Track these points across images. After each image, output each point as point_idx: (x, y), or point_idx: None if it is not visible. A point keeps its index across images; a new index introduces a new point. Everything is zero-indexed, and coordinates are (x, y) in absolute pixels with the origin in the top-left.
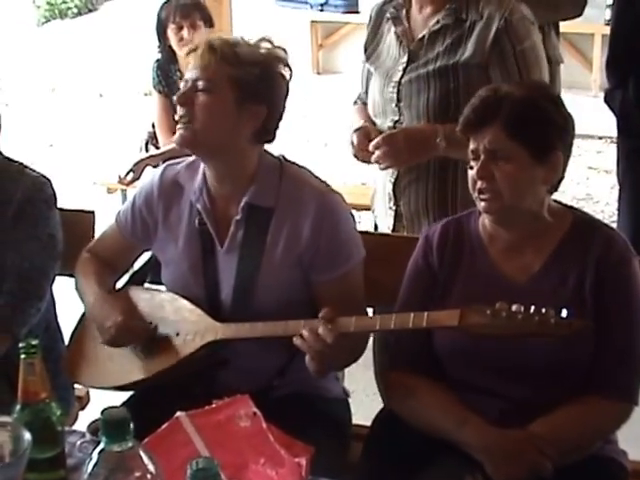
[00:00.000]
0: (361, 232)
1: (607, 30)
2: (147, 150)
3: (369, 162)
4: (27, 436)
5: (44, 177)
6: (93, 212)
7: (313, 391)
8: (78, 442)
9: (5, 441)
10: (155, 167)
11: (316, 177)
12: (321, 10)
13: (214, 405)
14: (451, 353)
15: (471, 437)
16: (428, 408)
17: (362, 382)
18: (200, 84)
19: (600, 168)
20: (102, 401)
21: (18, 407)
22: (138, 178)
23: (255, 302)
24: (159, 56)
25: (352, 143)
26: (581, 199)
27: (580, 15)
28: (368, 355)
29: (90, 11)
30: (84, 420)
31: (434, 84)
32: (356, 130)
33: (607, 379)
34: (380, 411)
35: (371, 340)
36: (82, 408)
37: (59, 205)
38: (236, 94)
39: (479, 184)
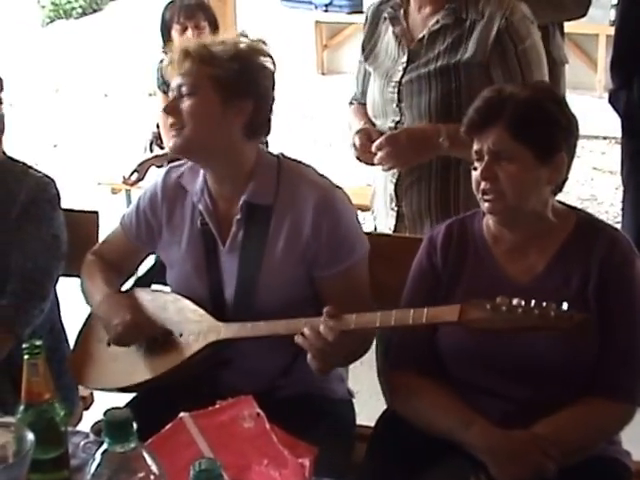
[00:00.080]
0: (365, 233)
1: (612, 30)
2: (152, 150)
3: (372, 163)
4: (30, 437)
5: (48, 177)
6: (97, 212)
7: (318, 392)
8: (82, 443)
9: (8, 442)
10: (159, 167)
11: (316, 172)
12: (325, 10)
13: (218, 406)
14: (454, 353)
15: (475, 438)
16: (431, 409)
17: (366, 383)
18: (183, 89)
19: (604, 169)
20: (106, 401)
21: (22, 408)
22: (142, 178)
23: (258, 301)
24: (163, 56)
25: (354, 145)
26: (585, 200)
27: (584, 15)
28: (372, 356)
29: (95, 11)
30: (88, 420)
31: (435, 84)
32: (357, 132)
33: (610, 380)
34: (384, 412)
35: (375, 340)
36: (86, 408)
37: (63, 205)
38: (219, 93)
39: (483, 185)
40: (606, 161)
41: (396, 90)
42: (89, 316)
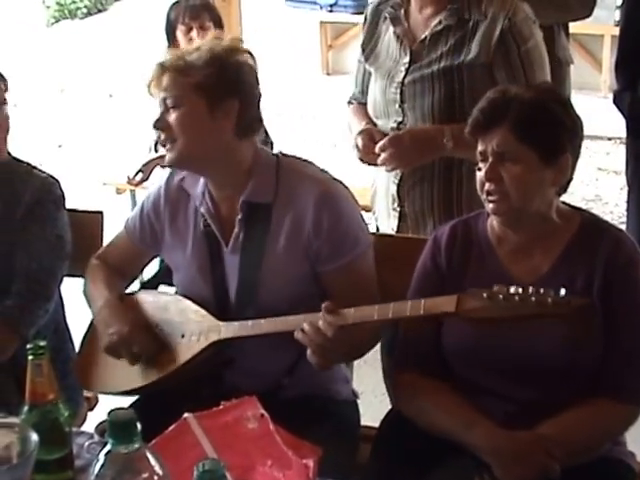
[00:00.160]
0: (371, 234)
1: (617, 31)
2: (156, 150)
3: (375, 164)
4: (34, 437)
5: (53, 178)
6: (102, 213)
7: (322, 393)
8: (86, 443)
9: (13, 442)
10: (164, 167)
11: (317, 168)
12: (330, 11)
13: (222, 406)
14: (458, 354)
15: (479, 439)
16: (436, 409)
17: (371, 383)
18: (168, 102)
19: (609, 169)
20: (110, 402)
21: (26, 408)
22: (147, 179)
23: (261, 299)
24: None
25: (357, 146)
26: (590, 200)
27: (589, 16)
28: (376, 356)
29: (99, 11)
30: (93, 421)
31: (438, 85)
32: (360, 133)
33: (615, 381)
34: (388, 412)
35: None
36: (91, 409)
37: (68, 206)
38: (204, 99)
39: (487, 186)
40: (611, 161)
41: (399, 91)
42: (92, 321)
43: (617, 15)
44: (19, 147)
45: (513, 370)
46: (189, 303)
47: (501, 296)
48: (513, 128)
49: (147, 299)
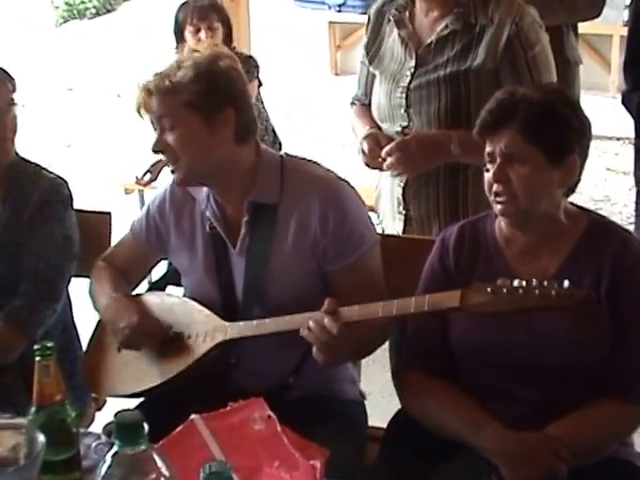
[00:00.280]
0: (377, 234)
1: (625, 31)
2: None
3: (381, 169)
4: (41, 438)
5: (61, 179)
6: (109, 213)
7: (329, 393)
8: (93, 444)
9: (20, 443)
10: None
11: (321, 167)
12: (339, 11)
13: (229, 408)
14: (467, 354)
15: (487, 441)
16: (443, 410)
17: (379, 384)
18: (164, 124)
19: (618, 169)
20: (118, 402)
21: (33, 409)
22: (155, 179)
23: (267, 299)
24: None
25: (362, 151)
26: (599, 200)
27: (598, 16)
28: (384, 356)
29: (108, 11)
30: (100, 421)
31: (445, 90)
32: (365, 137)
33: (622, 382)
34: (396, 413)
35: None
36: (99, 409)
37: (76, 206)
38: (198, 115)
39: (495, 187)
40: (619, 162)
41: (404, 96)
42: (99, 322)
43: (626, 15)
44: (28, 147)
45: (522, 371)
46: (194, 304)
47: (505, 290)
48: (521, 129)
49: (153, 301)
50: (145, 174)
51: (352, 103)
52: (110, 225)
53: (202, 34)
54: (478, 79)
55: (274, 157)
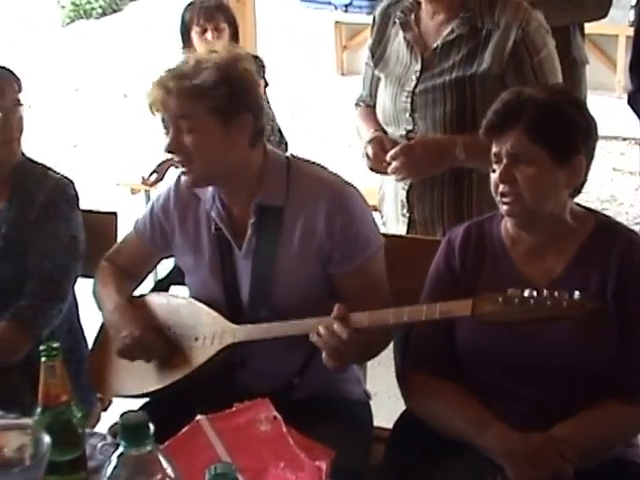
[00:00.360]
0: (382, 235)
1: (631, 31)
2: None
3: (386, 173)
4: (47, 439)
5: (67, 179)
6: (116, 214)
7: (334, 393)
8: (99, 444)
9: (25, 444)
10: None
11: (327, 170)
12: (345, 11)
13: (234, 408)
14: (472, 354)
15: (493, 441)
16: (448, 411)
17: (385, 384)
18: (182, 126)
19: (624, 169)
20: (124, 403)
21: (39, 410)
22: (162, 179)
23: (273, 301)
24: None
25: (367, 155)
26: (605, 200)
27: (605, 16)
28: (390, 357)
29: (115, 11)
30: (106, 421)
31: (450, 95)
32: (370, 141)
33: (629, 383)
34: (402, 413)
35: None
36: (104, 409)
37: (82, 206)
38: (219, 119)
39: (501, 187)
40: (626, 162)
41: (409, 100)
42: (104, 322)
43: (632, 15)
44: (34, 147)
45: (529, 372)
46: (201, 305)
47: (516, 300)
48: (527, 129)
49: (159, 302)
50: (151, 174)
51: (357, 104)
52: (116, 225)
53: (208, 35)
54: (484, 84)
55: (280, 159)
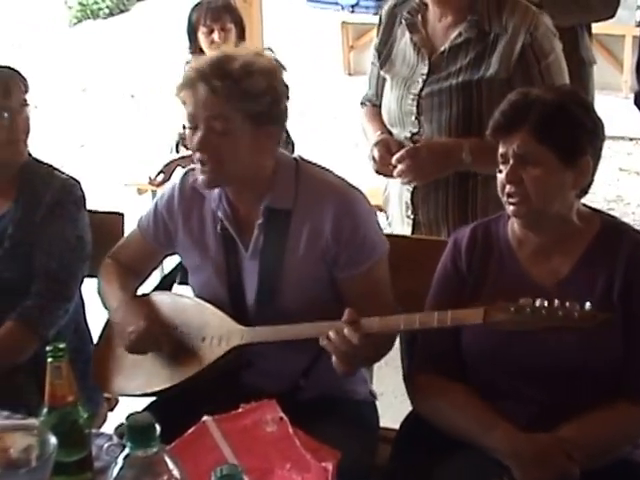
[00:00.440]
0: (387, 235)
1: (638, 32)
2: (178, 151)
3: (392, 176)
4: (53, 440)
5: (74, 179)
6: (122, 214)
7: (340, 394)
8: (105, 445)
9: (32, 445)
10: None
11: (334, 174)
12: (352, 11)
13: (241, 410)
14: (478, 355)
15: (499, 442)
16: (454, 411)
17: (391, 384)
18: (216, 125)
19: (631, 170)
20: (130, 403)
21: (45, 410)
22: (169, 179)
23: (279, 303)
24: (190, 57)
25: (373, 158)
26: (612, 200)
27: (613, 16)
28: (396, 357)
29: (122, 12)
30: (113, 421)
31: (457, 99)
32: (376, 144)
33: (636, 383)
34: (409, 414)
35: (398, 342)
36: (111, 409)
37: (88, 206)
38: (253, 125)
39: (508, 188)
40: (632, 162)
41: (415, 103)
42: (109, 320)
43: (638, 16)
44: (41, 147)
45: (536, 372)
46: (208, 306)
47: (528, 309)
48: (534, 130)
49: (165, 301)
50: (158, 174)
51: (362, 103)
52: (123, 226)
53: (215, 35)
54: (490, 88)
55: (290, 161)
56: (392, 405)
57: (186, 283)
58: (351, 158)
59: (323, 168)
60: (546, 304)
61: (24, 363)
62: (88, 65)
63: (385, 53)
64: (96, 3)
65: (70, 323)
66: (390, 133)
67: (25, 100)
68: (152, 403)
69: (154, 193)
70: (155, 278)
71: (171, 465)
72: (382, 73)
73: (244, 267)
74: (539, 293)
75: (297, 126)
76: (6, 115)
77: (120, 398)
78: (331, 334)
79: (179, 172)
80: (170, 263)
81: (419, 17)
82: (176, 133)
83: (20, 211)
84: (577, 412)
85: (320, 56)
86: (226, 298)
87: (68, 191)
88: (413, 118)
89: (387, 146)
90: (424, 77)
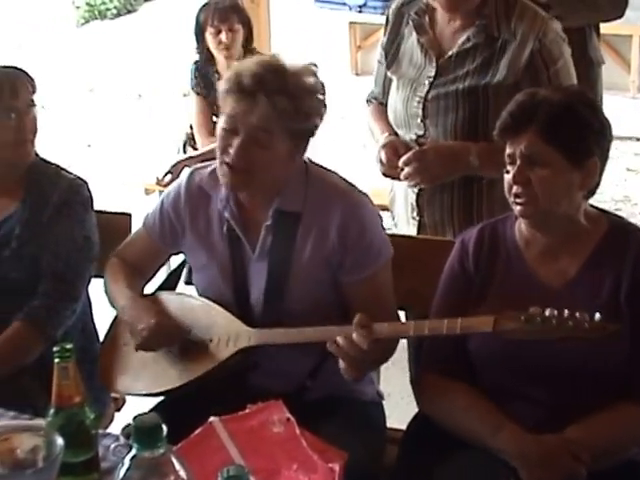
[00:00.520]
0: (389, 235)
1: None
2: (185, 151)
3: (399, 179)
4: (60, 441)
5: (81, 179)
6: (130, 214)
7: (347, 394)
8: (112, 445)
9: (38, 446)
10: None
11: (342, 178)
12: (360, 11)
13: (247, 410)
14: (486, 357)
15: (506, 443)
16: (461, 412)
17: (398, 385)
18: (260, 136)
19: (638, 170)
20: (137, 403)
21: (52, 411)
22: (176, 179)
23: (285, 305)
24: (197, 57)
25: (380, 161)
26: (619, 200)
27: (622, 17)
28: (403, 358)
29: (129, 12)
30: (120, 422)
31: (463, 103)
32: (383, 146)
33: None
34: (416, 414)
35: (405, 343)
36: (118, 409)
37: (96, 206)
38: (293, 142)
39: (515, 189)
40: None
41: (421, 106)
42: (114, 320)
43: None
44: (49, 147)
45: (543, 373)
46: (216, 306)
47: (538, 319)
48: (541, 131)
49: (173, 301)
50: (166, 175)
51: (368, 101)
52: (130, 226)
53: (223, 35)
54: (497, 93)
55: (300, 164)
56: (399, 406)
57: (192, 283)
58: (359, 158)
59: (330, 171)
60: (556, 313)
61: (31, 364)
62: (95, 65)
63: (392, 52)
64: (104, 3)
65: (77, 323)
66: (396, 134)
67: (32, 100)
68: (159, 404)
69: (161, 193)
70: (161, 275)
71: (178, 466)
72: (389, 74)
73: (250, 268)
74: (546, 294)
75: None
76: (13, 115)
77: (127, 399)
78: (340, 340)
79: (186, 172)
80: (176, 260)
81: (426, 18)
82: (183, 133)
83: (27, 211)
84: (584, 414)
85: (328, 56)
86: (231, 298)
87: (75, 191)
88: (419, 120)
89: (394, 148)
90: (431, 79)
